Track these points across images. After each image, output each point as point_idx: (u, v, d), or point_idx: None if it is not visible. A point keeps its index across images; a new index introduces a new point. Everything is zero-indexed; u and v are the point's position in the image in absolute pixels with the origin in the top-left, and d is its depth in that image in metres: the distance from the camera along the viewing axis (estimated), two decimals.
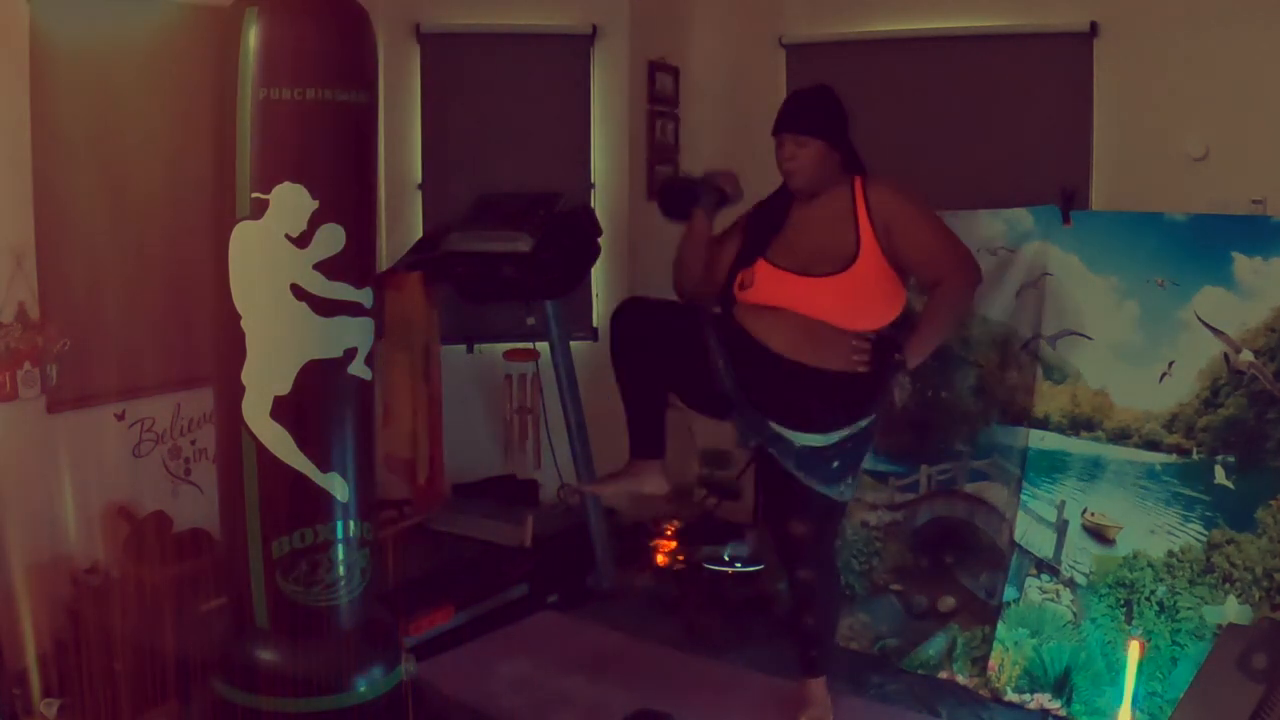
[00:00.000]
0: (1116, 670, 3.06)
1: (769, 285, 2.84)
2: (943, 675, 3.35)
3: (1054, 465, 3.34)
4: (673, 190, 3.12)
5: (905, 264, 2.82)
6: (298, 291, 2.32)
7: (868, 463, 3.71)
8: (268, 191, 2.28)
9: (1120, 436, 3.25)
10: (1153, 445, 3.19)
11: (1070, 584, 3.25)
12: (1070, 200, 3.36)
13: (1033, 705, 3.18)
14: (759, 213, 2.99)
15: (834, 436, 2.84)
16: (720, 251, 3.00)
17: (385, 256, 4.11)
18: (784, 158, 2.87)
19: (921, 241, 2.81)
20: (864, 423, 2.88)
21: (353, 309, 2.40)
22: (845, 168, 2.90)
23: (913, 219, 2.82)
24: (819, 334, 2.78)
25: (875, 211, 2.81)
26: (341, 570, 2.44)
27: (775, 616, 3.65)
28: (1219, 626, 2.95)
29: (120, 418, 3.61)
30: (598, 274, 4.41)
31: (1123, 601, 3.16)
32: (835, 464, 2.86)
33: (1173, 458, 3.16)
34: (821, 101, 2.90)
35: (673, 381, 3.03)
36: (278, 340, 2.34)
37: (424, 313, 3.70)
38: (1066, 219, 3.35)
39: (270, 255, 2.31)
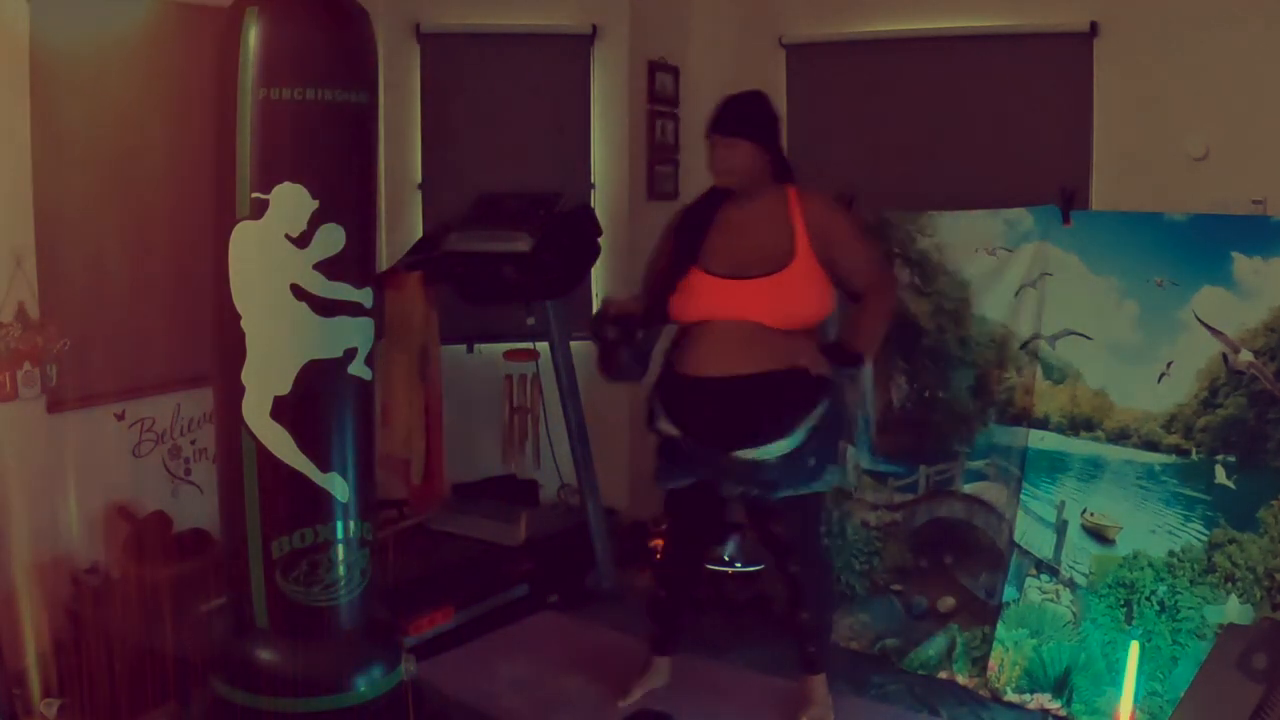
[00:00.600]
0: (1116, 670, 3.06)
1: (705, 295, 2.88)
2: (943, 675, 3.35)
3: (1054, 465, 3.34)
4: (606, 352, 3.05)
5: (839, 272, 2.90)
6: (298, 291, 2.32)
7: (867, 463, 3.73)
8: (268, 191, 2.28)
9: (1120, 436, 3.25)
10: (1152, 445, 3.19)
11: (1070, 584, 3.25)
12: (1070, 200, 3.36)
13: (1033, 705, 3.18)
14: (688, 217, 3.02)
15: (799, 435, 2.85)
16: (659, 261, 3.04)
17: (385, 256, 4.11)
18: (716, 159, 2.92)
19: (855, 250, 2.93)
20: (821, 409, 2.89)
21: (353, 309, 2.40)
22: (776, 174, 2.96)
23: (848, 230, 2.95)
24: (754, 339, 2.83)
25: (811, 219, 2.89)
26: (341, 570, 2.44)
27: (775, 616, 3.64)
28: (1220, 626, 2.95)
29: (120, 418, 3.61)
30: (598, 274, 4.41)
31: (1123, 602, 3.16)
32: (811, 460, 2.88)
33: (1172, 458, 3.16)
34: (753, 106, 2.97)
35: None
36: (278, 340, 2.34)
37: (424, 313, 3.70)
38: (1066, 219, 3.35)
39: (270, 255, 2.31)
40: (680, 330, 2.99)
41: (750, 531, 3.37)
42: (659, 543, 4.07)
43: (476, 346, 4.28)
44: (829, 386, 2.91)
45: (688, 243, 2.94)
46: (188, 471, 3.81)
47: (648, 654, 3.25)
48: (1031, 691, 3.20)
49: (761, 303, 2.83)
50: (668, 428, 2.96)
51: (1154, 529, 3.15)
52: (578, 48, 4.54)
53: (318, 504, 2.40)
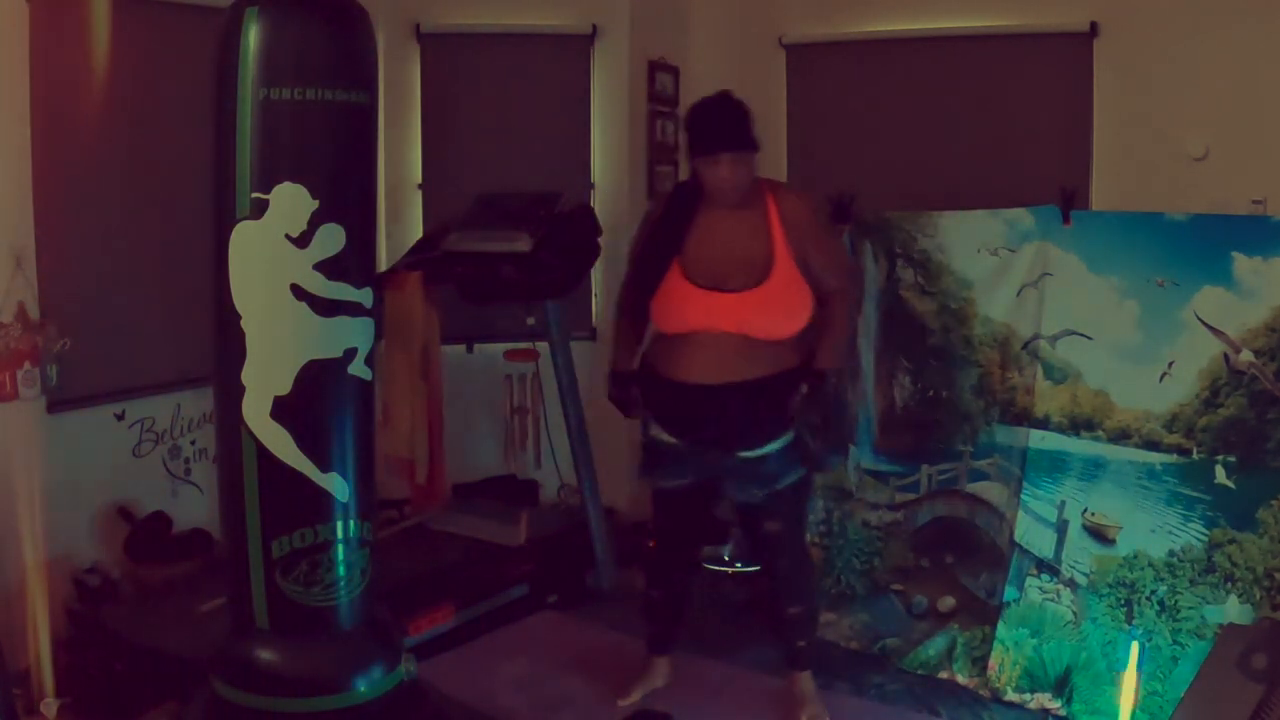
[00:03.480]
0: (1116, 670, 3.06)
1: (688, 306, 2.82)
2: (943, 675, 3.35)
3: (1054, 465, 3.34)
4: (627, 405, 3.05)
5: (811, 270, 2.85)
6: (298, 291, 2.32)
7: (868, 462, 3.73)
8: (268, 191, 2.28)
9: (1120, 436, 3.25)
10: (1153, 445, 3.19)
11: (1070, 584, 3.25)
12: (1070, 200, 3.36)
13: (1033, 705, 3.18)
14: (669, 212, 2.94)
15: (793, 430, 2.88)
16: (641, 253, 2.99)
17: (385, 256, 4.11)
18: (721, 177, 2.80)
19: (826, 248, 2.92)
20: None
21: (353, 309, 2.40)
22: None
23: (821, 228, 2.94)
24: (741, 348, 2.80)
25: (788, 219, 2.84)
26: (341, 570, 2.44)
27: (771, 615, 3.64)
28: (1220, 626, 2.95)
29: (120, 418, 3.61)
30: (598, 274, 4.41)
31: (1123, 601, 3.16)
32: (814, 442, 2.90)
33: (1173, 458, 3.16)
34: (744, 112, 2.85)
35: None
36: (278, 340, 2.34)
37: (424, 313, 3.70)
38: (1066, 219, 3.35)
39: (270, 255, 2.30)
40: (655, 342, 2.96)
41: (738, 530, 3.36)
42: (652, 544, 4.08)
43: (476, 346, 4.27)
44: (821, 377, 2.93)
45: (667, 245, 2.87)
46: (188, 471, 3.81)
47: (646, 654, 3.25)
48: (1032, 691, 3.20)
49: (745, 317, 2.79)
50: (663, 436, 2.94)
51: (1154, 529, 3.15)
52: (578, 48, 4.54)
53: (318, 504, 2.40)
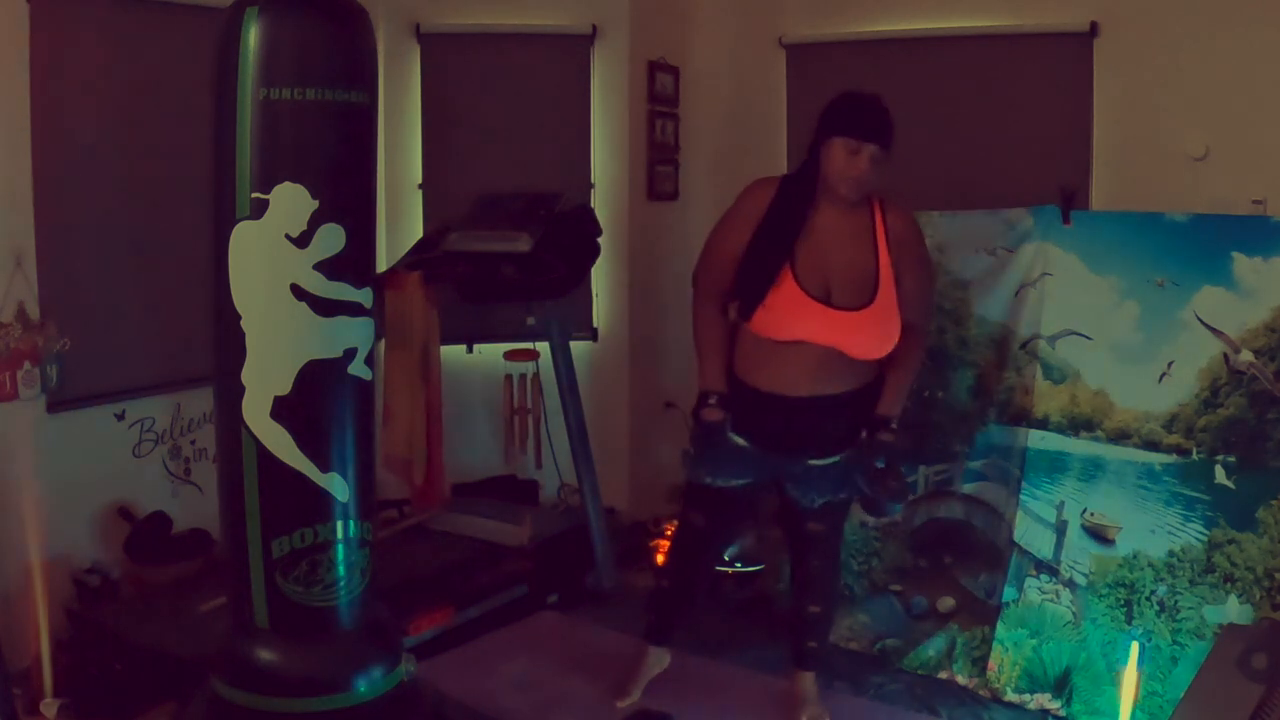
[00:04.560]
0: (1116, 669, 3.06)
1: (791, 312, 2.69)
2: (943, 675, 3.36)
3: (1053, 465, 3.34)
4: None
5: (901, 294, 2.74)
6: (298, 291, 2.32)
7: None
8: (268, 191, 2.28)
9: (1120, 436, 3.25)
10: (1152, 445, 3.19)
11: (1070, 584, 3.25)
12: (1070, 200, 3.36)
13: (1033, 705, 3.18)
14: (780, 209, 2.76)
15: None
16: (734, 246, 2.79)
17: (385, 256, 4.11)
18: (860, 168, 2.67)
19: (919, 276, 2.80)
20: None
21: (353, 309, 2.40)
22: None
23: (921, 255, 2.82)
24: (837, 364, 2.73)
25: (894, 235, 2.75)
26: (341, 570, 2.44)
27: (776, 616, 3.64)
28: (1220, 626, 2.95)
29: (120, 418, 3.61)
30: (598, 274, 4.41)
31: (1122, 601, 3.16)
32: (879, 463, 2.80)
33: (1173, 458, 3.16)
34: (890, 114, 2.73)
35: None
36: (278, 340, 2.34)
37: (424, 313, 3.70)
38: (1066, 219, 3.35)
39: (270, 255, 2.30)
40: (753, 339, 2.79)
41: (777, 528, 3.30)
42: (663, 542, 4.08)
43: (476, 346, 4.27)
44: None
45: (778, 246, 2.71)
46: (188, 471, 3.81)
47: (642, 645, 3.20)
48: (1031, 691, 3.20)
49: (850, 336, 2.70)
50: (738, 440, 2.85)
51: (1154, 529, 3.15)
52: (578, 48, 4.54)
53: (318, 504, 2.40)
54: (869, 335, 2.72)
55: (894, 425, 2.80)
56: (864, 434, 2.81)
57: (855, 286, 2.70)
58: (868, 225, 2.75)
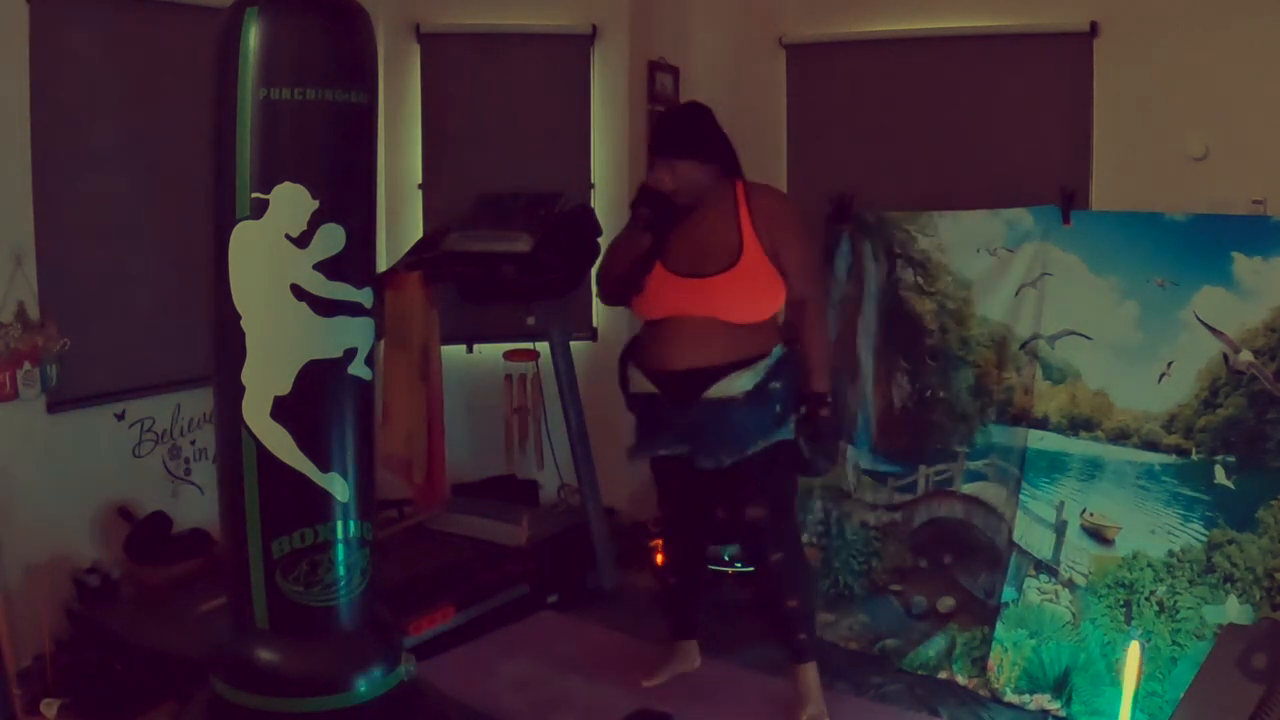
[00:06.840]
0: (1116, 670, 3.06)
1: (667, 293, 2.93)
2: (942, 675, 3.36)
3: (1053, 465, 3.34)
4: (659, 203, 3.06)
5: (780, 267, 2.92)
6: (298, 291, 2.32)
7: (866, 462, 3.73)
8: (268, 191, 2.28)
9: (1119, 437, 3.25)
10: (1152, 445, 3.19)
11: (1069, 584, 3.25)
12: (1070, 200, 3.36)
13: (1032, 706, 3.18)
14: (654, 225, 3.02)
15: (761, 369, 2.89)
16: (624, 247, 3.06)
17: (385, 256, 4.11)
18: (663, 178, 2.94)
19: (797, 250, 2.96)
20: (778, 352, 2.93)
21: (353, 309, 2.40)
22: (726, 173, 2.99)
23: (793, 229, 2.98)
24: (716, 333, 2.88)
25: (757, 214, 2.93)
26: (341, 570, 2.44)
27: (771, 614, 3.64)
28: (1219, 626, 2.95)
29: (120, 418, 3.61)
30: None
31: (1122, 602, 3.16)
32: (777, 408, 2.92)
33: (1172, 458, 3.16)
34: (689, 122, 3.01)
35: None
36: (278, 340, 2.34)
37: (424, 313, 3.70)
38: (1066, 219, 3.35)
39: (270, 255, 2.30)
40: (641, 329, 3.05)
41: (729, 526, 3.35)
42: (659, 541, 4.08)
43: (476, 346, 4.28)
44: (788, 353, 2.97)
45: (650, 243, 2.97)
46: (188, 471, 3.81)
47: (671, 640, 3.31)
48: (1031, 692, 3.20)
49: (718, 299, 2.88)
50: (644, 384, 3.00)
51: (1153, 529, 3.15)
52: (578, 48, 4.54)
53: (318, 504, 2.40)
54: (735, 295, 2.88)
55: (828, 399, 2.98)
56: (802, 409, 2.97)
57: (719, 258, 2.90)
58: (730, 210, 2.95)
